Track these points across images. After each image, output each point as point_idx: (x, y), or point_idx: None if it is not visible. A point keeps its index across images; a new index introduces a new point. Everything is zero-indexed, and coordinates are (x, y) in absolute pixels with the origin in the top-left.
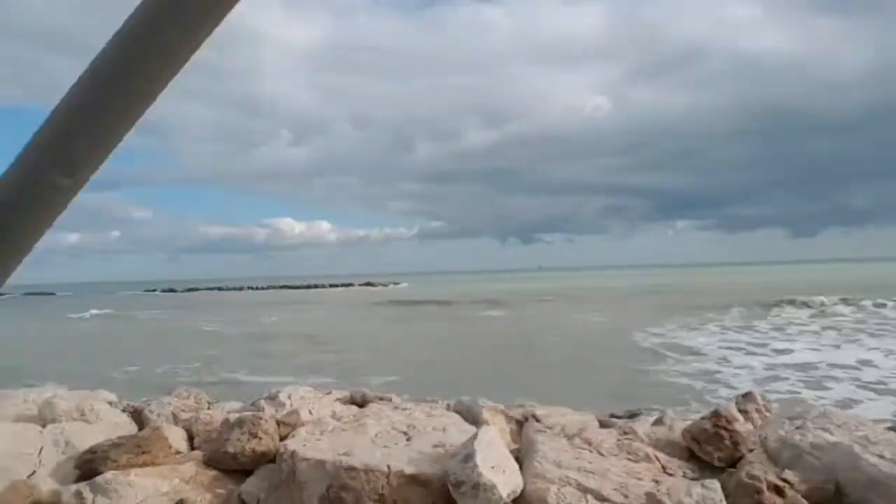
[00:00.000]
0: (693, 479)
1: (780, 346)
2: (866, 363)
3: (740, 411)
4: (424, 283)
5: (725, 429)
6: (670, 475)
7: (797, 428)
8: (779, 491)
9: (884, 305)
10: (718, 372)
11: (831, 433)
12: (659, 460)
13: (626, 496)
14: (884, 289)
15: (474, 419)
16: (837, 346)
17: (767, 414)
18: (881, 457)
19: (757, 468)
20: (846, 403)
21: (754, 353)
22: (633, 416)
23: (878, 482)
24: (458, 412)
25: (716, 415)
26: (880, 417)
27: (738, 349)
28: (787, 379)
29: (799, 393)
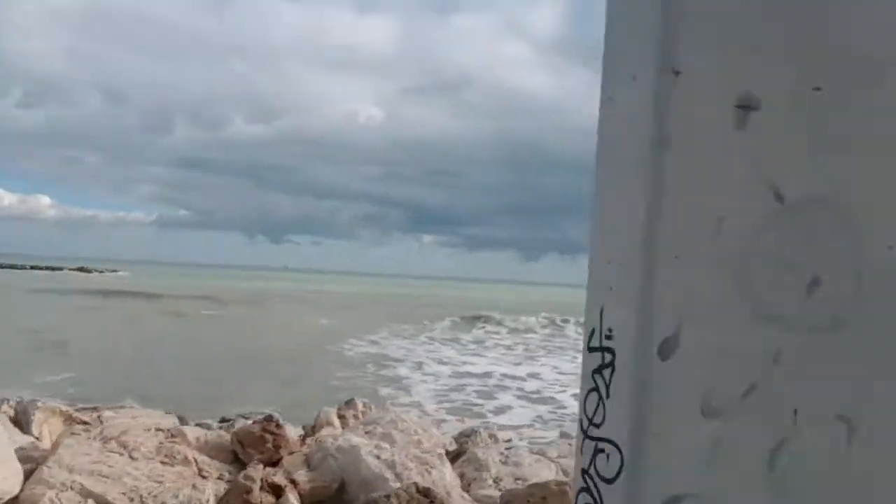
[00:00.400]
0: (229, 480)
1: (471, 357)
2: (534, 376)
3: (339, 416)
4: (150, 273)
5: (272, 433)
6: (204, 477)
7: (367, 433)
8: (276, 490)
9: (568, 321)
10: (408, 378)
11: (392, 439)
12: (197, 463)
13: (132, 500)
14: (574, 311)
15: (27, 420)
16: (518, 362)
17: (361, 418)
18: (378, 458)
19: (259, 470)
20: (503, 409)
21: (447, 363)
22: (224, 420)
23: (368, 481)
24: (16, 412)
25: (267, 419)
26: (521, 423)
27: (435, 358)
28: (464, 388)
29: (471, 400)
